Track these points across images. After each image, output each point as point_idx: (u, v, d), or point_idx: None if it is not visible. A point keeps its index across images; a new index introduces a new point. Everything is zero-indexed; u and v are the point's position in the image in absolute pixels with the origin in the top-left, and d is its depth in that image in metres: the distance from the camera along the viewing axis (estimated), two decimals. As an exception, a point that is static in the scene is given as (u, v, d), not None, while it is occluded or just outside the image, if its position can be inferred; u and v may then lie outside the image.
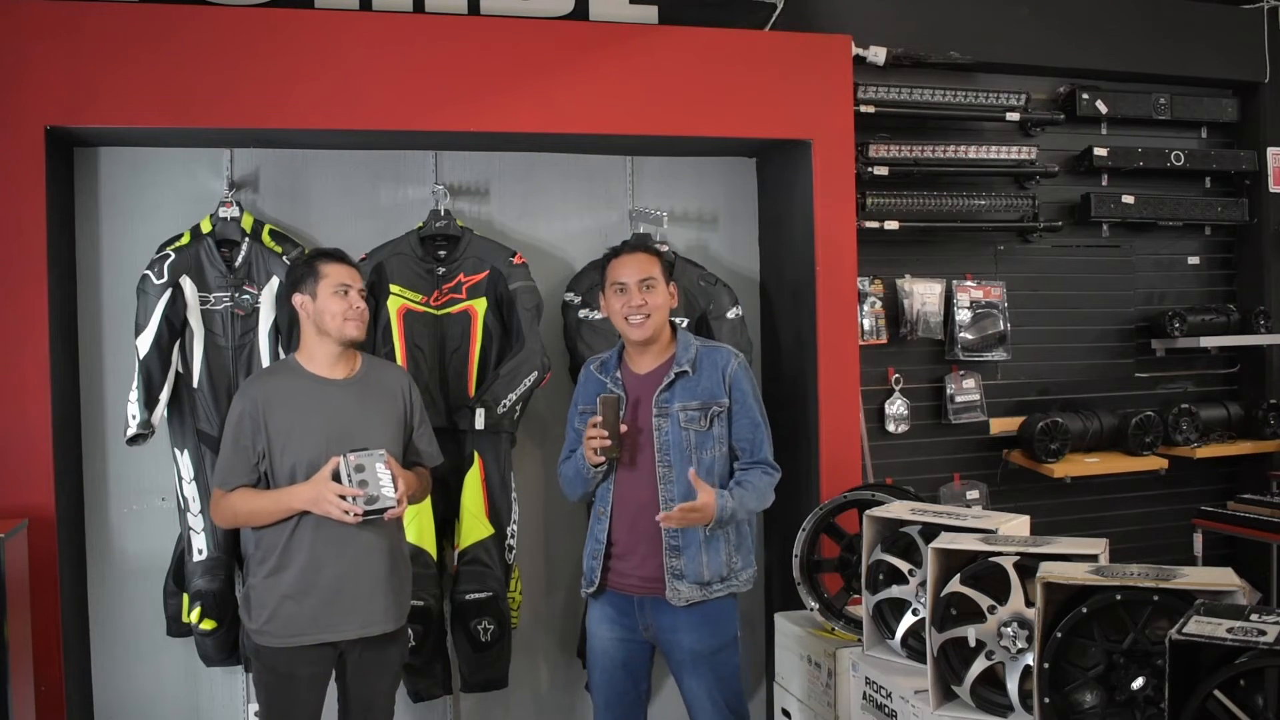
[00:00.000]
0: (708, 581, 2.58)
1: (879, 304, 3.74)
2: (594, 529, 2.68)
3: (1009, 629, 1.91)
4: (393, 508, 2.43)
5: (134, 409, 2.93)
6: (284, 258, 3.07)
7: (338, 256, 2.62)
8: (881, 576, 2.32)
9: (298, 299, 2.57)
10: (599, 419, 2.54)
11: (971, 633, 1.95)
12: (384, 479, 2.42)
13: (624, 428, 2.58)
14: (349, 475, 2.40)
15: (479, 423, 3.09)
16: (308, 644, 2.47)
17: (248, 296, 3.06)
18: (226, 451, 2.52)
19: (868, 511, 2.37)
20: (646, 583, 2.61)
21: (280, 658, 2.48)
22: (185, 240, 3.05)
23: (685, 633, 2.60)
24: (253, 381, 2.63)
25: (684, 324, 3.23)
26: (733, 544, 2.63)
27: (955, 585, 1.97)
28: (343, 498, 2.39)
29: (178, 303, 3.00)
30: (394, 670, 2.66)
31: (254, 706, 3.15)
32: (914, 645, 2.26)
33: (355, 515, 2.39)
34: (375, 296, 3.13)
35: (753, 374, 2.73)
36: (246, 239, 3.08)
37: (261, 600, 2.49)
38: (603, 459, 2.57)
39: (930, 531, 2.19)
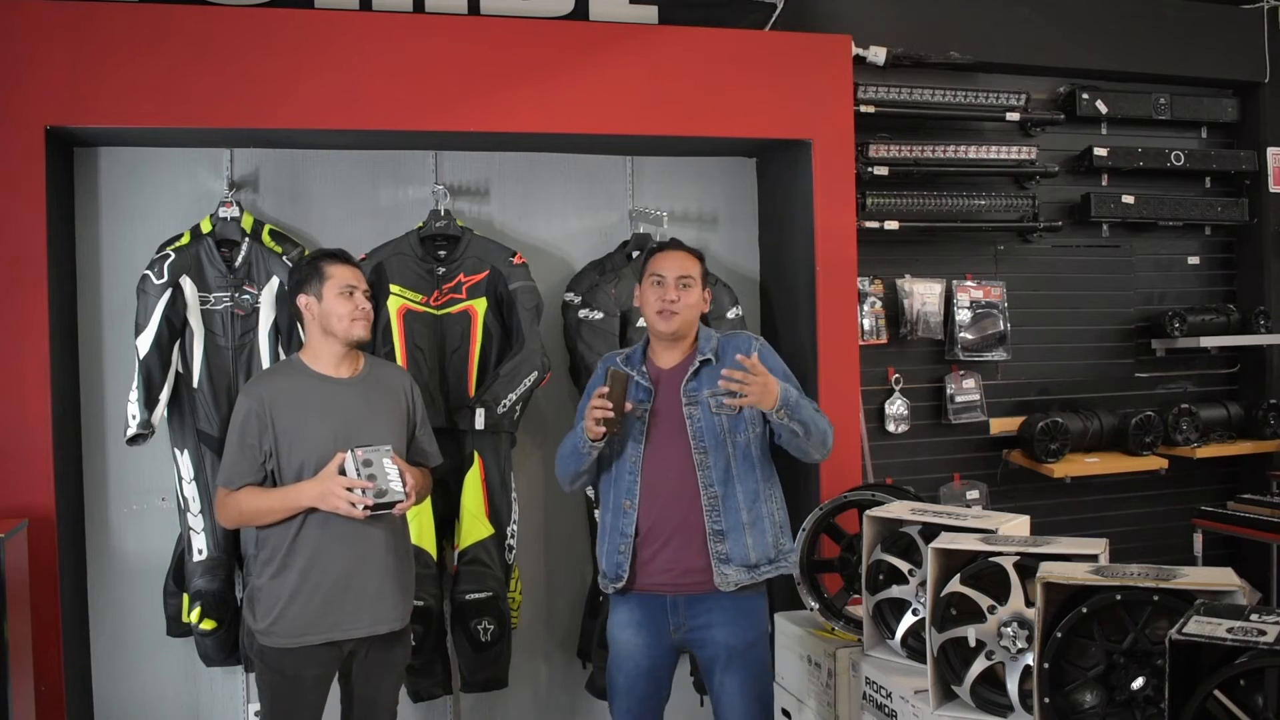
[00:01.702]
0: (755, 564, 2.56)
1: (879, 304, 3.74)
2: (617, 523, 2.61)
3: (1009, 629, 1.91)
4: (401, 501, 2.43)
5: (134, 409, 2.93)
6: (284, 258, 3.07)
7: (342, 257, 2.62)
8: (881, 576, 2.32)
9: (303, 300, 2.57)
10: (605, 390, 2.52)
11: (971, 633, 1.95)
12: (392, 474, 2.43)
13: (629, 406, 2.56)
14: (357, 470, 2.40)
15: (479, 423, 3.09)
16: (314, 644, 2.46)
17: (248, 296, 3.06)
18: (232, 451, 2.51)
19: (868, 511, 2.36)
20: (682, 576, 2.56)
21: (286, 658, 2.46)
22: (185, 240, 3.06)
23: (719, 628, 2.56)
24: (258, 381, 2.62)
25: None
26: (778, 524, 2.63)
27: (955, 585, 1.97)
28: (350, 491, 2.39)
29: (178, 303, 3.00)
30: (398, 670, 2.66)
31: (254, 706, 3.15)
32: (914, 645, 2.25)
33: (364, 510, 2.39)
34: (375, 296, 3.13)
35: (778, 355, 2.71)
36: (246, 239, 3.08)
37: (267, 600, 2.48)
38: (603, 431, 2.53)
39: (930, 531, 2.18)
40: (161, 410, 2.98)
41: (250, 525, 2.61)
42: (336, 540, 2.46)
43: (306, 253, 3.01)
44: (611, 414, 2.51)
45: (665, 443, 2.60)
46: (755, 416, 2.61)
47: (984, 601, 1.94)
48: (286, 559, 2.47)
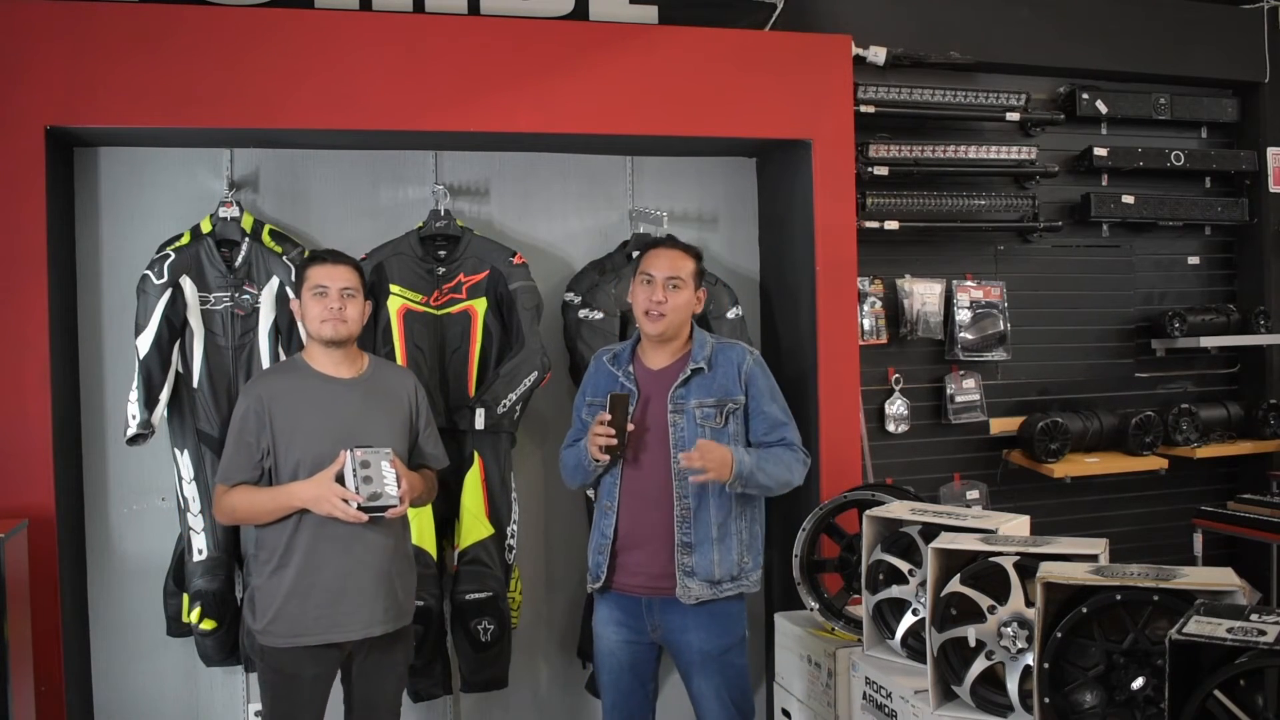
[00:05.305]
0: (718, 580, 2.57)
1: (879, 304, 3.74)
2: (599, 523, 2.66)
3: (1009, 629, 1.91)
4: (394, 506, 2.43)
5: (134, 409, 2.93)
6: (284, 258, 3.08)
7: (322, 258, 2.61)
8: (881, 576, 2.32)
9: (293, 303, 2.66)
10: (607, 416, 2.53)
11: (971, 633, 1.95)
12: (388, 477, 2.43)
13: (631, 426, 2.56)
14: (354, 469, 2.40)
15: (479, 423, 3.09)
16: (312, 644, 2.46)
17: (248, 296, 3.06)
18: (230, 448, 2.53)
19: (868, 511, 2.37)
20: (654, 580, 2.59)
21: (285, 658, 2.47)
22: (185, 240, 3.05)
23: (694, 633, 2.59)
24: (259, 379, 2.64)
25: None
26: (745, 543, 2.63)
27: (955, 585, 1.97)
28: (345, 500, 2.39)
29: (178, 303, 3.00)
30: (400, 671, 2.66)
31: (254, 706, 3.15)
32: (914, 645, 2.26)
33: (360, 514, 2.39)
34: (375, 296, 3.13)
35: (769, 371, 2.72)
36: (246, 239, 3.08)
37: (265, 600, 2.49)
38: (606, 457, 2.55)
39: (930, 531, 2.19)
40: (161, 410, 2.98)
41: (245, 523, 2.62)
42: (333, 542, 2.46)
43: (306, 253, 3.01)
44: (614, 441, 2.51)
45: (646, 448, 2.60)
46: (738, 432, 2.62)
47: (984, 601, 1.94)
48: (284, 558, 2.47)
